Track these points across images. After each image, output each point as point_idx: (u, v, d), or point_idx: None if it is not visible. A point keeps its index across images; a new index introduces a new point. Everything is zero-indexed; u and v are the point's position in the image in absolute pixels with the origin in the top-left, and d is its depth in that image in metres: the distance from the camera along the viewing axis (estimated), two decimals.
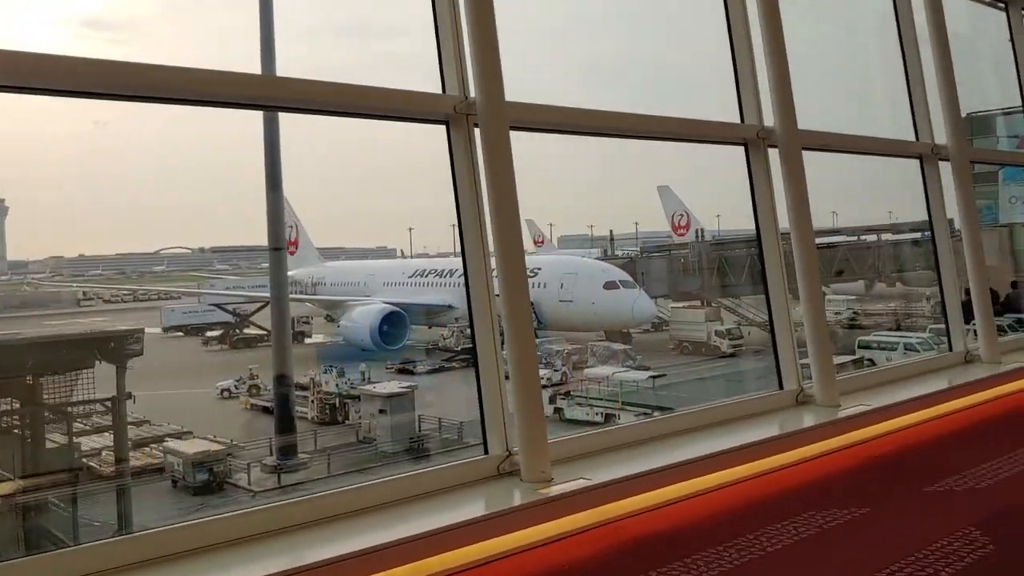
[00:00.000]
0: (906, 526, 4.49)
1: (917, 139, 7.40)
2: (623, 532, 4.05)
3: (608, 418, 21.92)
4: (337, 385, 22.90)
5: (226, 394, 22.27)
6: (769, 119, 6.02)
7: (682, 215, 36.31)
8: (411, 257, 40.81)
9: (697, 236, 33.62)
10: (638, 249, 34.66)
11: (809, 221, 5.89)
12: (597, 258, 34.53)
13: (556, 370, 26.43)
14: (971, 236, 7.23)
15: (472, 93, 4.44)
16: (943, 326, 7.45)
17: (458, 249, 4.43)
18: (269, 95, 4.29)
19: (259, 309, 30.41)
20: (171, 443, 19.68)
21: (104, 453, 17.32)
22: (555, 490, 4.13)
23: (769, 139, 5.94)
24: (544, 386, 25.26)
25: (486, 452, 4.41)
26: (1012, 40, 8.64)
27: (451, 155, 4.48)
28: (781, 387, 5.93)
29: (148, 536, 3.47)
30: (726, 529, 4.16)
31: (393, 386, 23.13)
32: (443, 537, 3.67)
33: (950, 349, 7.35)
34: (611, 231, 37.05)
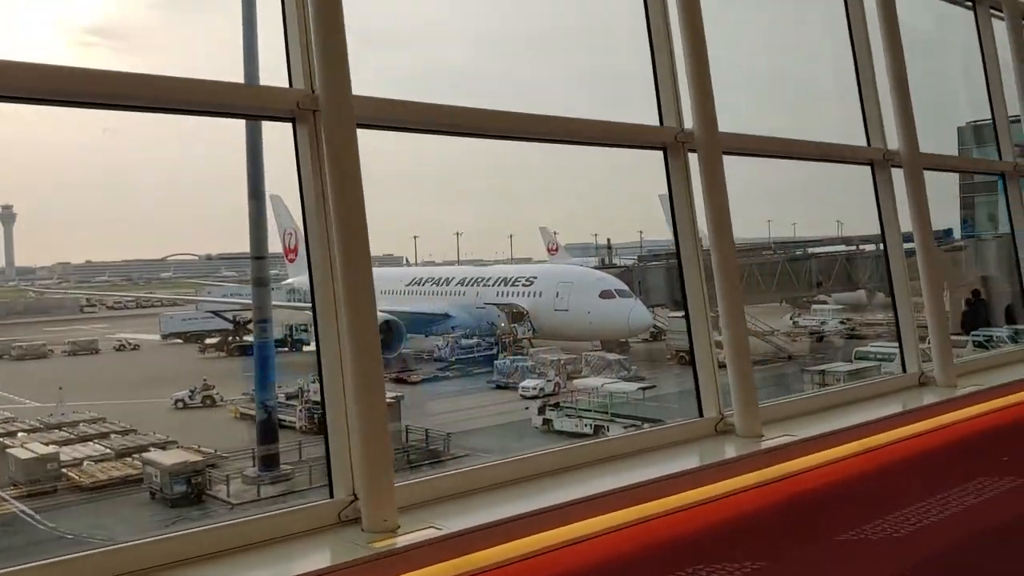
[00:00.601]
0: None
1: (868, 144, 6.86)
2: None
3: (597, 430, 21.47)
4: None
5: (180, 404, 21.98)
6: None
7: None
8: (416, 265, 40.70)
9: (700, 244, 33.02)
10: (636, 258, 34.17)
11: (730, 231, 5.37)
12: (594, 267, 34.13)
13: (549, 380, 26.03)
14: (925, 248, 6.68)
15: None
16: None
17: (462, 257, 3.99)
18: (102, 91, 3.78)
19: None
20: (151, 454, 19.43)
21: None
22: (400, 541, 3.63)
23: (689, 143, 5.42)
24: (535, 396, 24.99)
25: (331, 496, 3.91)
26: (980, 40, 8.08)
27: (296, 157, 4.00)
28: (701, 414, 5.40)
29: None
30: None
31: None
32: None
33: (903, 370, 6.78)
34: (608, 239, 36.64)
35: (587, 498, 4.12)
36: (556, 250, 42.15)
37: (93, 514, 17.47)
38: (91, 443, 20.39)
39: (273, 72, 4.34)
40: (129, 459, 19.47)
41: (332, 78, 3.85)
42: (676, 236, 5.48)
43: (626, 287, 29.53)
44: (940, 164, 7.29)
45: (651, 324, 29.87)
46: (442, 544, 3.61)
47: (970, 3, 8.19)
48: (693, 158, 5.48)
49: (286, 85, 4.05)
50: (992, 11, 8.21)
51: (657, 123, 5.56)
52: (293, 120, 3.99)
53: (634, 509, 4.18)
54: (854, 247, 29.30)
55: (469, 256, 41.05)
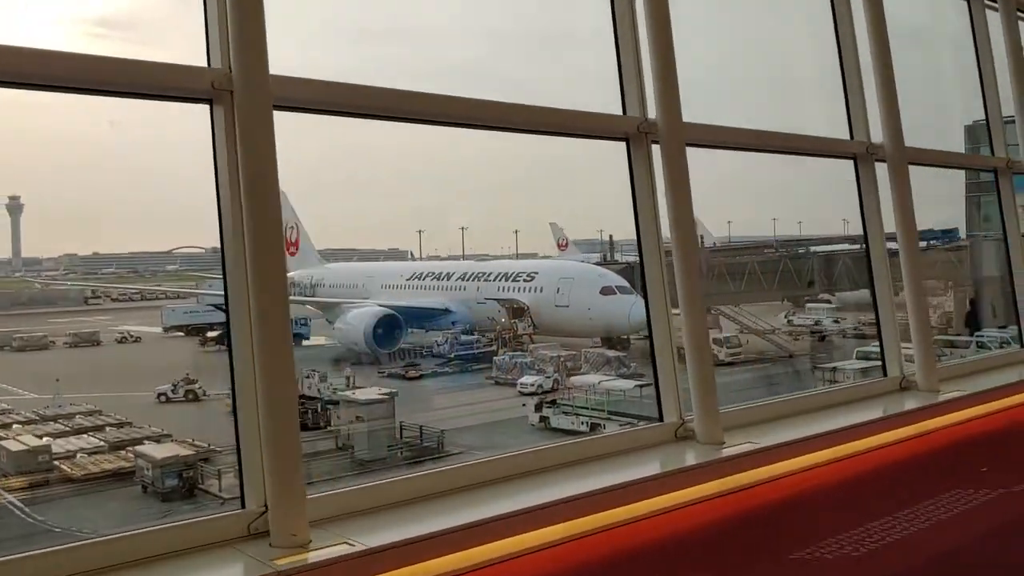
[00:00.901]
0: None
1: (852, 137, 6.54)
2: None
3: (594, 427, 21.18)
4: (319, 390, 22.33)
5: (163, 398, 21.81)
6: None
7: None
8: (421, 259, 40.52)
9: (700, 243, 32.65)
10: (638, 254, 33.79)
11: (692, 226, 5.08)
12: (596, 263, 33.81)
13: (548, 377, 25.74)
14: (908, 245, 6.37)
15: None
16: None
17: (466, 252, 3.70)
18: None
19: None
20: (143, 447, 19.25)
21: None
22: (310, 558, 3.35)
23: (653, 133, 5.12)
24: (534, 393, 24.73)
25: (243, 506, 3.63)
26: (973, 32, 7.73)
27: (213, 141, 3.72)
28: (661, 418, 5.10)
29: None
30: None
31: (372, 392, 22.60)
32: None
33: (884, 374, 6.46)
34: (611, 236, 36.21)
35: (524, 510, 3.85)
36: (566, 246, 41.79)
37: (83, 507, 17.28)
38: (86, 435, 20.22)
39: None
40: (123, 452, 19.30)
41: (248, 56, 3.58)
42: (638, 231, 5.19)
43: (627, 283, 29.22)
44: (926, 159, 6.96)
45: None
46: (355, 562, 3.34)
47: None
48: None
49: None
50: (987, 3, 7.88)
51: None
52: (210, 101, 3.71)
53: (578, 522, 3.90)
54: (858, 246, 28.90)
55: (474, 251, 40.79)
